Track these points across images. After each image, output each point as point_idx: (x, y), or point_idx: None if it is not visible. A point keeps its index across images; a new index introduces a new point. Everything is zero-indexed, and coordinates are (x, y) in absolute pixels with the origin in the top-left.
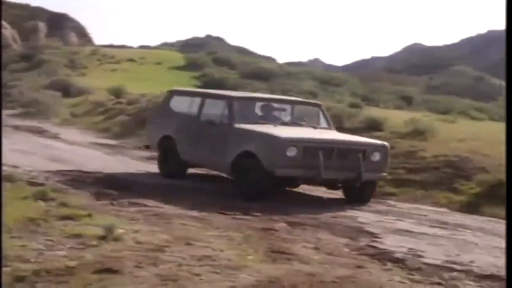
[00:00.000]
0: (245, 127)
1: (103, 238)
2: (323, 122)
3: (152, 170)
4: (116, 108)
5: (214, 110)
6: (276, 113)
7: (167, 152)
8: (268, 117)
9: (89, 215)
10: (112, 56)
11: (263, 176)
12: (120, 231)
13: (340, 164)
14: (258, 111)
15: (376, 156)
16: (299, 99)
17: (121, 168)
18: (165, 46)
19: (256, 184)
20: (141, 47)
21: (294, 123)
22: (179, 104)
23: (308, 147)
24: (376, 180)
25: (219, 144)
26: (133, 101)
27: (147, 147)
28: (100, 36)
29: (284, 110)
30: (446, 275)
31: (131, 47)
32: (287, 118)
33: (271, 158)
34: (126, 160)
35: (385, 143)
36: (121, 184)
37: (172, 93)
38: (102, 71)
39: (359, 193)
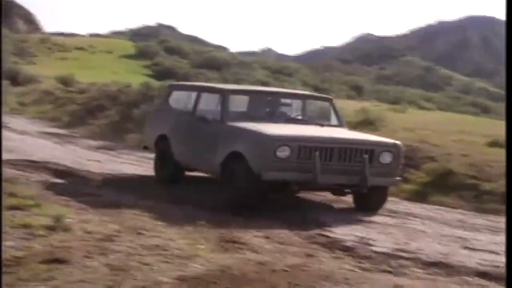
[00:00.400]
0: (236, 125)
1: (52, 228)
2: (333, 119)
3: (101, 159)
4: (65, 97)
5: (210, 105)
6: (279, 109)
7: (162, 154)
8: (269, 113)
9: (38, 205)
10: (62, 44)
11: (249, 181)
12: (69, 221)
13: (342, 166)
14: (257, 106)
15: (386, 158)
16: (307, 93)
17: (71, 157)
18: (115, 34)
19: (241, 191)
20: (91, 35)
21: (299, 120)
22: (178, 100)
23: (303, 147)
24: (387, 186)
25: (209, 144)
26: (83, 90)
27: (145, 148)
28: (48, 23)
29: (289, 105)
30: (394, 262)
31: (81, 35)
32: (292, 114)
33: (259, 160)
34: (76, 149)
35: (398, 142)
36: (71, 173)
37: (172, 88)
38: (51, 59)
39: (367, 201)
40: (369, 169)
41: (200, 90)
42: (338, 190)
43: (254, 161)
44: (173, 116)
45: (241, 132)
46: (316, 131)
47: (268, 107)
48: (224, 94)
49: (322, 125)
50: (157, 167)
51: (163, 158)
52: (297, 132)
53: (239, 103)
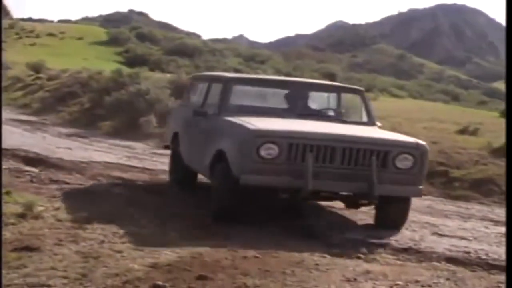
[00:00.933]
0: (228, 118)
1: (22, 216)
2: (362, 115)
3: (72, 146)
4: (35, 83)
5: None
6: (296, 102)
7: (173, 154)
8: (284, 108)
9: (8, 193)
10: (32, 30)
11: (227, 187)
12: (40, 208)
13: (346, 171)
14: (268, 99)
15: (405, 161)
16: (332, 83)
17: (41, 145)
18: (86, 20)
19: (219, 198)
20: (61, 21)
21: (318, 115)
22: (196, 93)
23: (295, 145)
24: (408, 198)
25: (204, 141)
26: (54, 76)
27: (166, 148)
28: (17, 9)
29: (306, 97)
30: (365, 249)
31: (51, 21)
32: (311, 108)
33: (238, 160)
34: (46, 137)
35: (421, 142)
36: (41, 161)
37: (193, 79)
38: (21, 45)
39: (384, 215)
40: (383, 174)
41: (211, 80)
42: (350, 201)
43: (234, 162)
44: (187, 111)
45: (226, 127)
46: (322, 127)
47: (283, 100)
48: (225, 83)
49: (345, 122)
50: (169, 169)
51: (174, 159)
52: (290, 127)
53: (253, 96)
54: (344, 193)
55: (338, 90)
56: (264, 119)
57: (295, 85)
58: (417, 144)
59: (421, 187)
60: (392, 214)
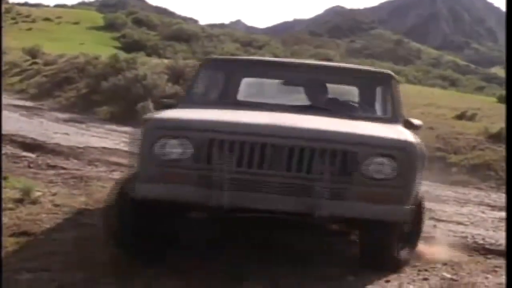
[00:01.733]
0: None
1: (20, 201)
2: (385, 107)
3: (70, 132)
4: (32, 69)
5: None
6: (293, 92)
7: None
8: (278, 98)
9: (5, 178)
10: (28, 15)
11: (119, 203)
12: (38, 193)
13: (291, 180)
14: (257, 87)
15: (382, 168)
16: (347, 66)
17: (38, 130)
18: (82, 5)
19: (115, 224)
20: (58, 5)
21: (317, 108)
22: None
23: (209, 141)
24: (389, 223)
25: None
26: (50, 62)
27: None
28: None
29: (322, 86)
30: None
31: (47, 6)
32: (322, 100)
33: (137, 162)
34: (43, 122)
35: (411, 139)
36: (38, 146)
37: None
38: (17, 30)
39: (361, 246)
40: (346, 186)
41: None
42: (297, 223)
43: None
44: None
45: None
46: (287, 120)
47: (276, 88)
48: (199, 65)
49: (354, 118)
50: None
51: None
52: (217, 117)
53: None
54: (284, 212)
55: (354, 75)
56: (206, 110)
57: (294, 68)
58: (403, 142)
59: (407, 207)
60: (369, 246)
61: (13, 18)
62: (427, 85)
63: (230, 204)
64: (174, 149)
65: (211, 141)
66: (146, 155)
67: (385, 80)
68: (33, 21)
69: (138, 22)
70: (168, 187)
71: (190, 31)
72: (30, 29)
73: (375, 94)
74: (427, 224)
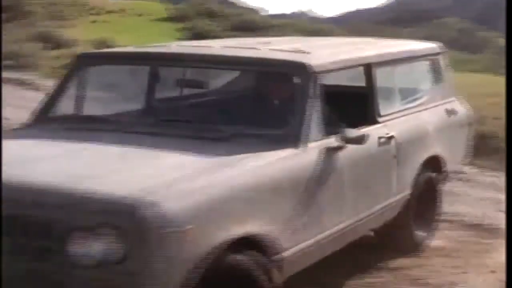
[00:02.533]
0: None
1: None
2: (286, 116)
3: None
4: None
5: None
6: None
7: None
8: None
9: None
10: (93, 7)
11: None
12: None
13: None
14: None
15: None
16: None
17: None
18: None
19: None
20: None
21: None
22: None
23: None
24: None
25: None
26: None
27: None
28: None
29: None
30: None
31: None
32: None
33: None
34: None
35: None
36: None
37: None
38: (82, 23)
39: None
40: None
41: None
42: None
43: None
44: None
45: None
46: None
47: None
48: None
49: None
50: None
51: None
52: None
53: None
54: None
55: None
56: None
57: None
58: (133, 201)
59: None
60: None
61: (80, 11)
62: (496, 74)
63: None
64: None
65: None
66: None
67: (295, 73)
68: (97, 13)
69: (202, 13)
70: None
71: (252, 22)
72: (94, 21)
73: (280, 95)
74: (493, 216)
